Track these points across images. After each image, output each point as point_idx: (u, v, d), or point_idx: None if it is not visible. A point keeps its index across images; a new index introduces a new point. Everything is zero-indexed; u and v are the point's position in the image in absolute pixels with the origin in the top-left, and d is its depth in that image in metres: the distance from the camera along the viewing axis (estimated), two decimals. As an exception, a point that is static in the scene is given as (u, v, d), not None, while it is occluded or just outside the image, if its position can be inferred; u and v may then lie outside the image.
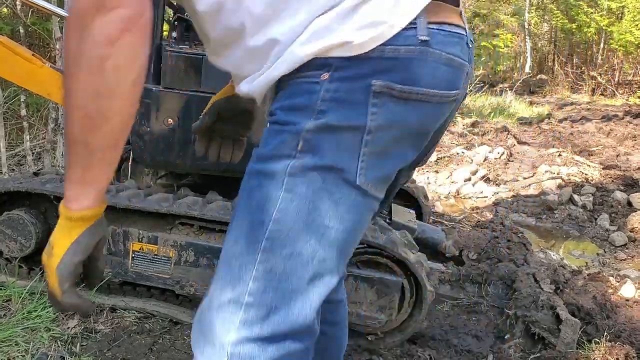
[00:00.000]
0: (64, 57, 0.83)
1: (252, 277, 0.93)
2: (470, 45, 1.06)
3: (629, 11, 13.39)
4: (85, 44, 0.79)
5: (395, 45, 0.92)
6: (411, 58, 0.93)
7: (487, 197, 4.74)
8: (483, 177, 5.18)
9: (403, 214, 2.60)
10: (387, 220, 2.46)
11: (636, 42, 12.91)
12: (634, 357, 2.08)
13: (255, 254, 0.93)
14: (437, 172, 5.33)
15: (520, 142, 6.90)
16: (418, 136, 1.02)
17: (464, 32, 1.03)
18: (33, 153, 4.08)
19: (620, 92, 13.28)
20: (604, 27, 13.55)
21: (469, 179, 5.08)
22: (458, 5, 1.06)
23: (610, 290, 2.86)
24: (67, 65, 0.83)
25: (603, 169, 5.54)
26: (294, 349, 0.96)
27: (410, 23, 0.93)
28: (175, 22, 2.32)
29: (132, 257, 2.12)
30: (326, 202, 0.94)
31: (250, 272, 0.93)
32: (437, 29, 0.96)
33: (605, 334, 2.25)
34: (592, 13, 13.62)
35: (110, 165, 0.90)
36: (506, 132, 7.20)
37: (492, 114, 8.87)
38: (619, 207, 4.38)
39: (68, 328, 2.06)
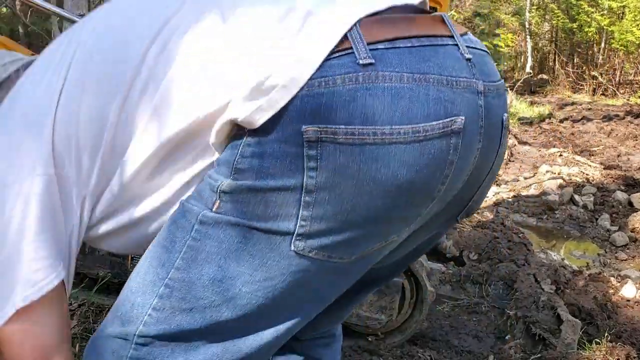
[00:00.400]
0: None
1: (144, 321, 0.82)
2: (469, 56, 0.82)
3: (629, 11, 13.37)
4: None
5: (326, 77, 0.72)
6: (354, 88, 0.71)
7: (487, 197, 4.73)
8: (484, 177, 5.17)
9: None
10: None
11: (637, 42, 12.90)
12: (634, 357, 2.07)
13: (152, 297, 0.82)
14: (437, 172, 5.32)
15: (521, 142, 6.89)
16: (400, 193, 0.75)
17: (448, 41, 0.81)
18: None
19: (621, 92, 13.26)
20: (604, 27, 13.53)
21: (470, 179, 5.07)
22: (425, 11, 0.86)
23: (611, 291, 2.85)
24: None
25: (604, 169, 5.53)
26: None
27: (341, 51, 0.73)
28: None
29: (132, 257, 2.11)
30: (241, 264, 0.78)
31: (143, 315, 0.82)
32: (387, 47, 0.75)
33: (606, 334, 2.25)
34: (592, 13, 13.60)
35: None
36: (507, 132, 7.18)
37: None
38: (620, 207, 4.37)
39: (67, 328, 2.05)
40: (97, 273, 2.08)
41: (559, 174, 5.21)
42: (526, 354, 2.18)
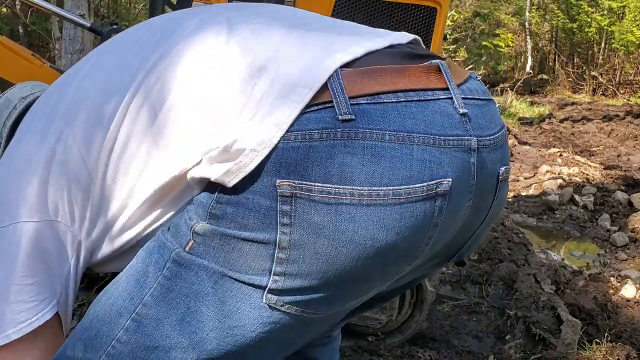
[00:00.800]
0: None
1: (107, 352, 0.81)
2: (463, 111, 0.76)
3: (629, 11, 13.37)
4: None
5: (303, 130, 0.69)
6: (332, 145, 0.68)
7: (487, 197, 4.73)
8: (484, 177, 5.17)
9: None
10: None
11: (637, 42, 12.90)
12: (634, 357, 2.07)
13: (116, 329, 0.81)
14: (437, 172, 5.32)
15: (521, 142, 6.89)
16: (379, 256, 0.72)
17: (441, 94, 0.75)
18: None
19: (622, 92, 13.26)
20: (604, 27, 13.54)
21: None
22: (421, 58, 0.79)
23: (611, 291, 2.85)
24: None
25: (604, 169, 5.53)
26: None
27: (320, 104, 0.70)
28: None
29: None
30: (211, 309, 0.75)
31: (107, 345, 0.81)
32: (370, 102, 0.71)
33: (606, 334, 2.25)
34: (592, 13, 13.61)
35: None
36: (507, 132, 7.19)
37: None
38: (620, 207, 4.37)
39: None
40: (97, 273, 2.08)
41: (559, 174, 5.21)
42: (526, 354, 2.18)
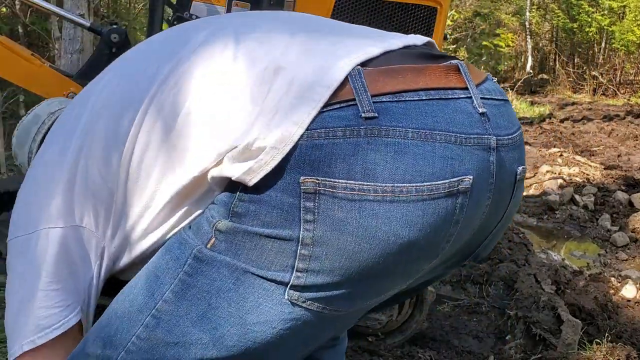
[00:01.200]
0: None
1: (126, 348, 0.82)
2: (482, 110, 0.77)
3: (630, 11, 13.37)
4: None
5: (327, 128, 0.70)
6: (355, 142, 0.69)
7: (488, 197, 4.73)
8: (484, 177, 5.17)
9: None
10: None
11: (638, 42, 12.89)
12: (635, 357, 2.07)
13: (137, 326, 0.81)
14: (438, 172, 5.32)
15: (521, 142, 6.89)
16: (402, 252, 0.73)
17: (460, 93, 0.77)
18: (33, 153, 4.07)
19: (622, 92, 13.26)
20: (605, 27, 13.53)
21: (470, 179, 5.07)
22: (439, 59, 0.80)
23: (612, 291, 2.85)
24: None
25: (604, 169, 5.53)
26: None
27: (343, 102, 0.71)
28: (175, 22, 2.31)
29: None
30: (233, 305, 0.76)
31: (126, 342, 0.82)
32: (392, 101, 0.72)
33: (607, 334, 2.24)
34: (593, 12, 13.60)
35: None
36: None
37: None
38: (621, 207, 4.37)
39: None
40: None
41: (559, 174, 5.20)
42: (526, 354, 2.17)
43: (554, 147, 6.73)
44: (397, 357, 2.08)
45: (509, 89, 11.62)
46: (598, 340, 2.19)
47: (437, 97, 0.74)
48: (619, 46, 13.38)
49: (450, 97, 0.76)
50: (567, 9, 14.30)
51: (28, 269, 0.86)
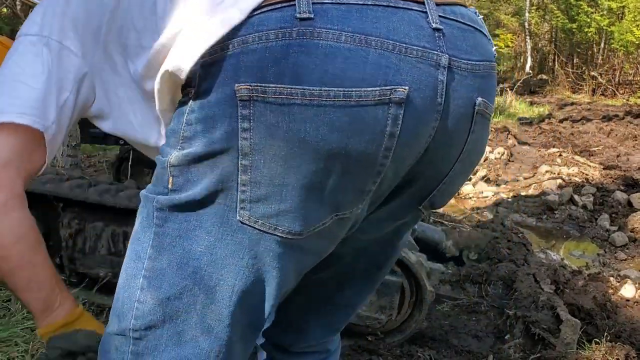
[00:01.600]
0: None
1: (134, 315, 0.83)
2: (438, 26, 0.74)
3: (629, 11, 13.39)
4: None
5: (261, 31, 0.69)
6: (287, 44, 0.68)
7: (487, 197, 4.74)
8: (483, 177, 5.18)
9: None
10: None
11: (637, 42, 12.91)
12: (634, 357, 2.07)
13: (135, 291, 0.82)
14: (437, 172, 5.33)
15: (520, 142, 6.90)
16: (333, 159, 0.71)
17: (415, 6, 0.74)
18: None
19: (621, 92, 13.28)
20: (604, 27, 13.55)
21: (469, 179, 5.07)
22: None
23: (611, 291, 2.86)
24: None
25: (603, 169, 5.54)
26: None
27: (284, 2, 0.69)
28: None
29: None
30: (202, 244, 0.77)
31: (132, 309, 0.83)
32: (334, 3, 0.70)
33: (606, 334, 2.25)
34: (592, 13, 13.62)
35: (37, 299, 0.94)
36: (506, 132, 7.20)
37: (493, 114, 8.86)
38: (620, 207, 4.38)
39: (68, 328, 2.05)
40: (97, 273, 2.09)
41: (558, 174, 5.21)
42: (526, 353, 2.18)
43: (553, 147, 6.74)
44: (397, 356, 2.08)
45: (508, 89, 11.63)
46: (597, 340, 2.19)
47: (384, 4, 0.72)
48: (618, 46, 13.40)
49: (400, 6, 0.73)
50: (566, 9, 14.32)
51: (11, 61, 0.89)
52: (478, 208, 4.46)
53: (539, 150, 6.46)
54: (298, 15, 0.68)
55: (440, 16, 0.76)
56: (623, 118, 9.25)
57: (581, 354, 2.13)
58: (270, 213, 0.75)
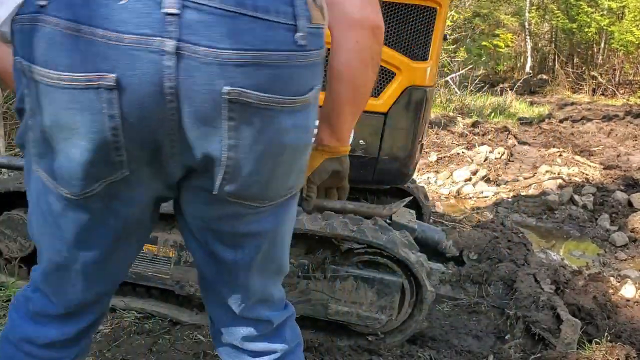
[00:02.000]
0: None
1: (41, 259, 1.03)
2: (173, 11, 0.75)
3: (629, 11, 13.39)
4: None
5: (22, 14, 0.81)
6: (30, 29, 0.79)
7: (487, 197, 4.74)
8: (483, 177, 5.18)
9: (403, 214, 2.59)
10: (387, 221, 2.46)
11: (637, 42, 12.91)
12: (634, 357, 2.07)
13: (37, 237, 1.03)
14: (437, 172, 5.33)
15: (520, 142, 6.90)
16: (63, 130, 0.81)
17: None
18: (33, 153, 4.07)
19: (621, 92, 13.28)
20: (604, 27, 13.55)
21: (470, 179, 5.07)
22: None
23: (611, 291, 2.86)
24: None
25: (604, 169, 5.54)
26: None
27: None
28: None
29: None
30: (42, 202, 0.94)
31: (40, 253, 1.03)
32: None
33: (606, 334, 2.25)
34: (592, 13, 13.62)
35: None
36: (507, 132, 7.20)
37: (493, 114, 8.87)
38: (620, 207, 4.38)
39: (68, 328, 2.05)
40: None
41: (558, 174, 5.21)
42: (526, 353, 2.18)
43: (553, 147, 6.74)
44: (397, 356, 2.08)
45: (508, 89, 11.63)
46: (597, 340, 2.19)
47: None
48: (618, 46, 13.39)
49: None
50: (566, 9, 14.31)
51: None
52: (478, 208, 4.45)
53: (539, 150, 6.46)
54: (37, 3, 0.77)
55: (193, 2, 0.76)
56: (623, 118, 9.25)
57: (581, 354, 2.13)
58: (51, 170, 0.87)
